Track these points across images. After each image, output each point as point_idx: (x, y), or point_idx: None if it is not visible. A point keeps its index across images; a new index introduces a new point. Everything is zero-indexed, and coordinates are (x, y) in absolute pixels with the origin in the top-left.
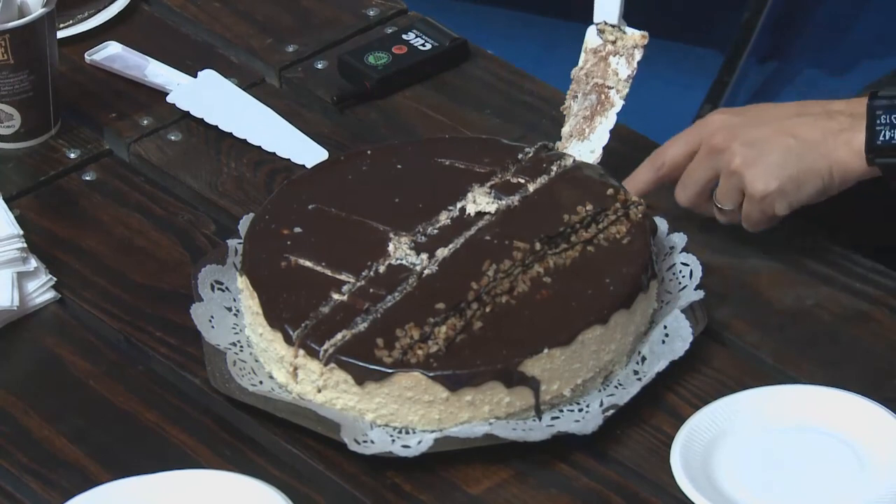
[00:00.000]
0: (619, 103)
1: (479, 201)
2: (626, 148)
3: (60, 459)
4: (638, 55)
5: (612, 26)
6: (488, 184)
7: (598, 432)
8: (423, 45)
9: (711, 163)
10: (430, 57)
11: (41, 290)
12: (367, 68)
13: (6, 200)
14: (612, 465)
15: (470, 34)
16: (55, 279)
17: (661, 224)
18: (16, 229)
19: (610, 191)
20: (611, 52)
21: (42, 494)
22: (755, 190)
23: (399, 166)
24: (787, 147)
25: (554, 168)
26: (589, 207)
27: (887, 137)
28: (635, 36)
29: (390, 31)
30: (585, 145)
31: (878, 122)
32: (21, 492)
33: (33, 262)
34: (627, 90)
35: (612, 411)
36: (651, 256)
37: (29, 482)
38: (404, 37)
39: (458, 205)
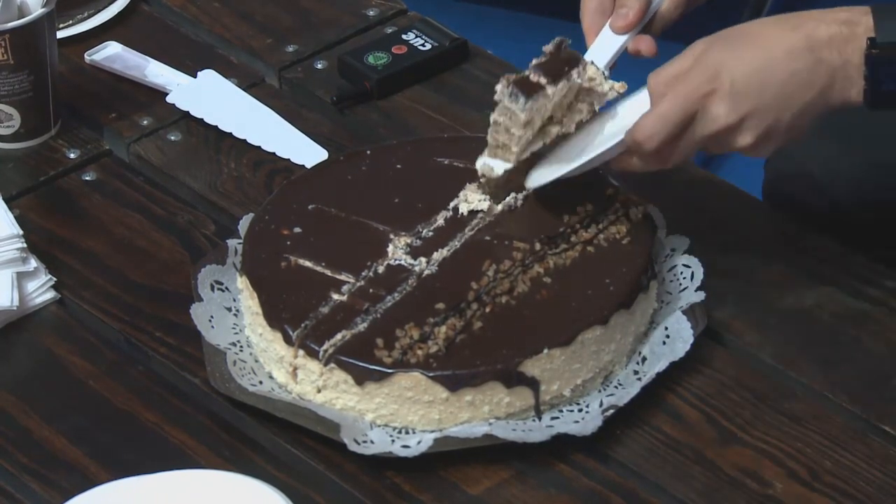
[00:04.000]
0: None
1: (471, 199)
2: None
3: (60, 459)
4: (610, 97)
5: (592, 63)
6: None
7: (598, 432)
8: (423, 45)
9: (714, 143)
10: (430, 57)
11: (41, 290)
12: (366, 68)
13: (6, 200)
14: (612, 465)
15: (470, 34)
16: (55, 279)
17: (662, 225)
18: (16, 229)
19: (610, 191)
20: (583, 90)
21: (42, 494)
22: (746, 153)
23: (398, 166)
24: (789, 123)
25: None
26: (589, 208)
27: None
28: (615, 84)
29: (390, 31)
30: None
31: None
32: (21, 492)
33: (33, 262)
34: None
35: (611, 412)
36: (651, 257)
37: (29, 482)
38: (404, 37)
39: (453, 204)
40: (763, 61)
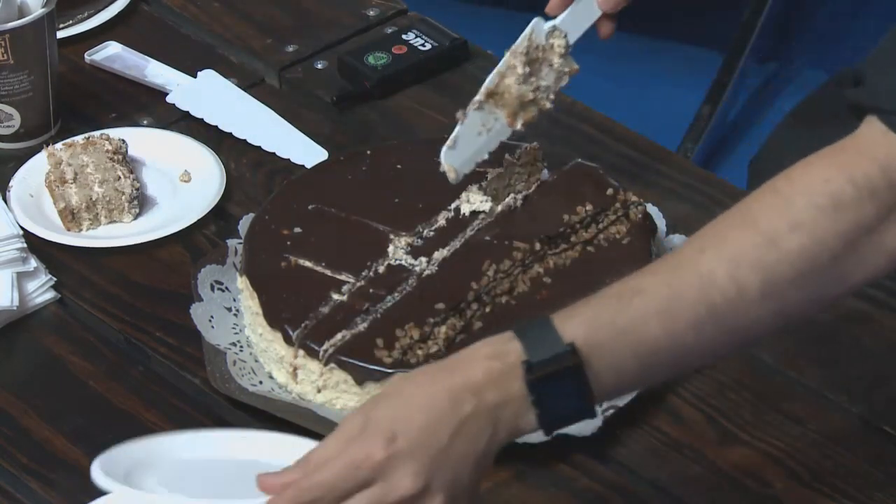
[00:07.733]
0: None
1: (472, 200)
2: (625, 148)
3: (60, 459)
4: (564, 82)
5: (564, 37)
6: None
7: (598, 432)
8: (422, 45)
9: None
10: (430, 57)
11: (41, 290)
12: (366, 68)
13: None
14: (612, 465)
15: (470, 34)
16: (55, 279)
17: (661, 224)
18: (16, 229)
19: (610, 191)
20: (545, 61)
21: (42, 494)
22: None
23: (399, 166)
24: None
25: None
26: (589, 207)
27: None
28: (573, 64)
29: (390, 31)
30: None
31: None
32: (21, 492)
33: (33, 262)
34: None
35: (611, 412)
36: (651, 257)
37: (29, 482)
38: (404, 37)
39: (454, 205)
40: (430, 413)
